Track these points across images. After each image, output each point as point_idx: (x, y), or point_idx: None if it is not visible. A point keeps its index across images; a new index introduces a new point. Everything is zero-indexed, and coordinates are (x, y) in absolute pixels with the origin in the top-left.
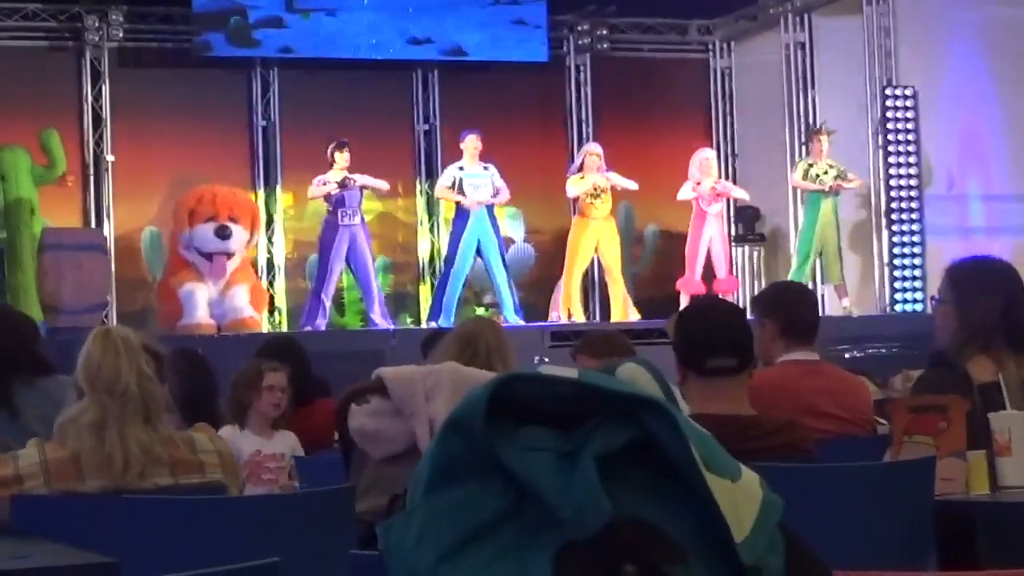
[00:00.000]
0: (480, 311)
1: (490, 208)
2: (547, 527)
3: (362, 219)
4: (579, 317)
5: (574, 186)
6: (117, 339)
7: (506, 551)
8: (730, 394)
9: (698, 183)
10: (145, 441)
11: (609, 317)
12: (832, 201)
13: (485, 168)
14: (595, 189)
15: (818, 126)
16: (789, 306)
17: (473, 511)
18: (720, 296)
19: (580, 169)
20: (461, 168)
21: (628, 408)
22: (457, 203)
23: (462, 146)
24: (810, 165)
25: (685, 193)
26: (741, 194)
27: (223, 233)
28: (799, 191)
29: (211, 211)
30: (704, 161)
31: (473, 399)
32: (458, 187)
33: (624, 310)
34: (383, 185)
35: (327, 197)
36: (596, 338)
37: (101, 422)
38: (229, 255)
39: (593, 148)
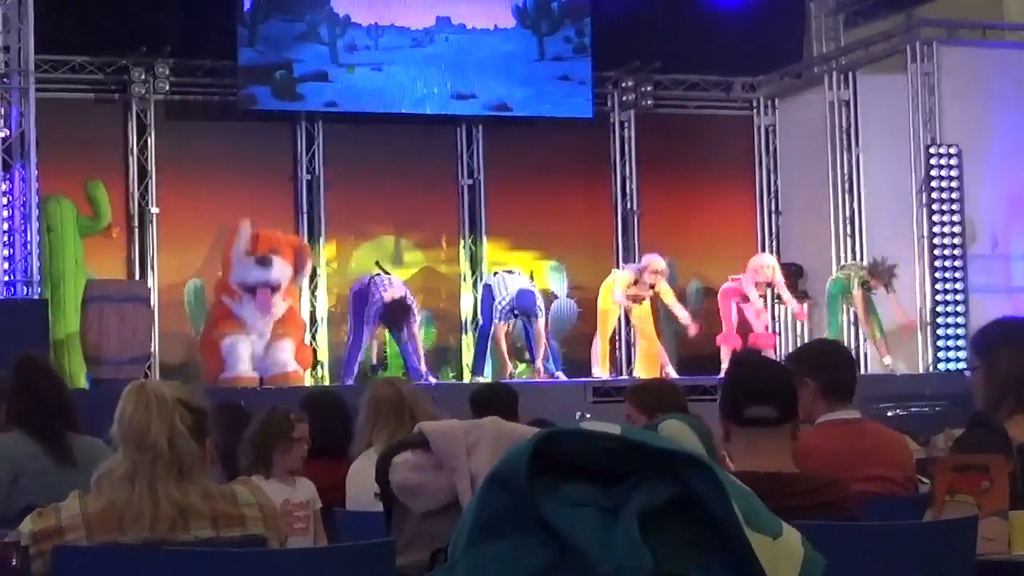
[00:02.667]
0: (522, 367)
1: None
2: None
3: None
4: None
5: (618, 291)
6: (150, 394)
7: None
8: (772, 448)
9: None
10: (177, 496)
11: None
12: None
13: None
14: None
15: (884, 270)
16: (829, 366)
17: (516, 565)
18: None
19: (635, 280)
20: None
21: (670, 465)
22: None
23: None
24: (867, 287)
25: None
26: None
27: (264, 262)
28: (841, 247)
29: (250, 248)
30: (762, 268)
31: (516, 454)
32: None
33: (653, 366)
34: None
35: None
36: (645, 389)
37: (131, 476)
38: (273, 288)
39: (657, 265)
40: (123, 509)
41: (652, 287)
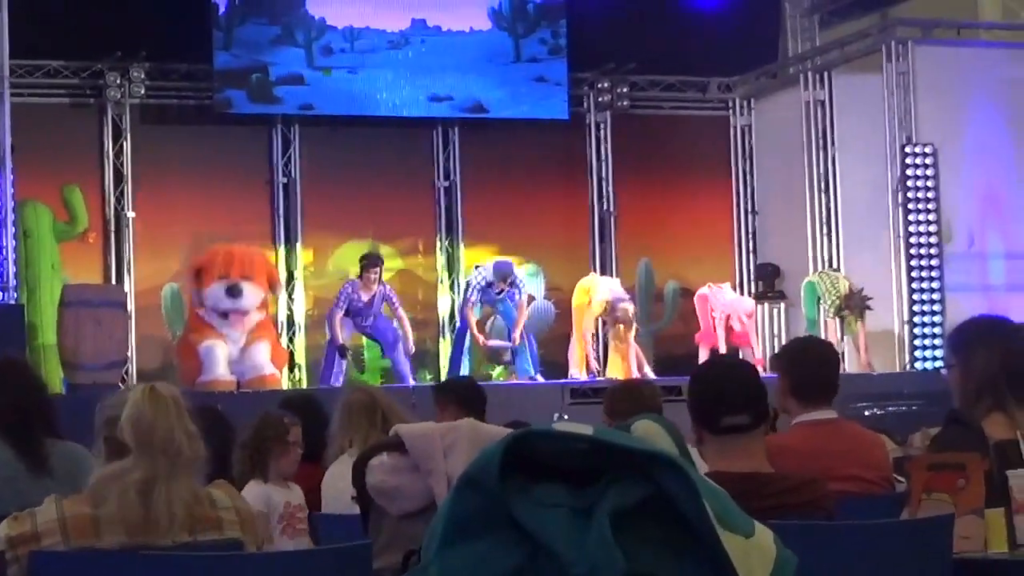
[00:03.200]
0: (498, 370)
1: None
2: None
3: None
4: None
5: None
6: (168, 398)
7: None
8: (746, 451)
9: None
10: (189, 500)
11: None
12: None
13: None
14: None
15: (858, 301)
16: (800, 365)
17: (488, 566)
18: (732, 353)
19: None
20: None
21: (642, 465)
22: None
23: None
24: (840, 315)
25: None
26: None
27: (234, 291)
28: (818, 247)
29: (223, 270)
30: (745, 313)
31: (488, 455)
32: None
33: (625, 368)
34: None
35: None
36: (619, 393)
37: (151, 480)
38: (243, 313)
39: (623, 314)
40: (129, 512)
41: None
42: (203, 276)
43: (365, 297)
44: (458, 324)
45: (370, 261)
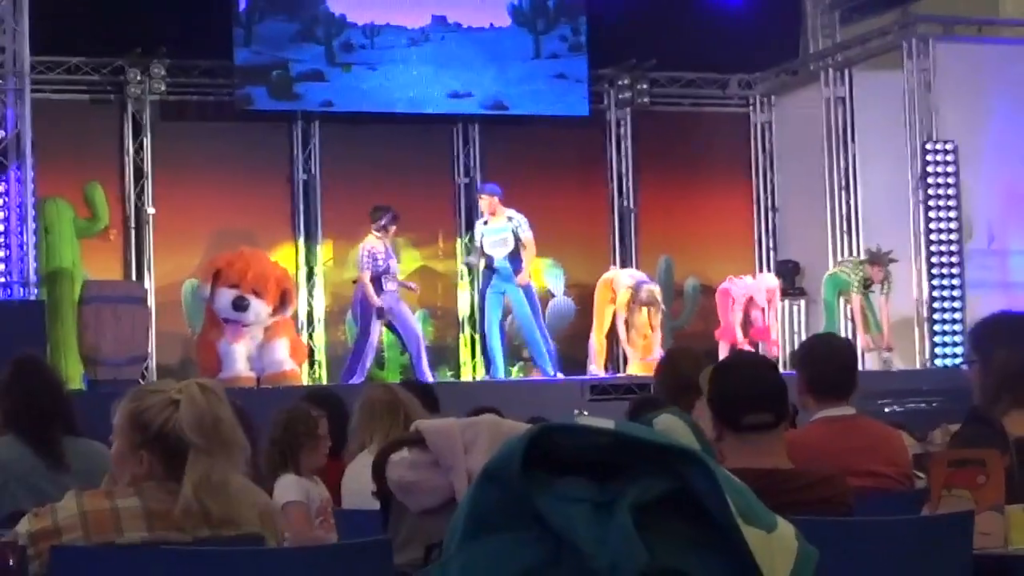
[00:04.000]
0: (518, 366)
1: (512, 262)
2: None
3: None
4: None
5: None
6: (221, 392)
7: None
8: (767, 448)
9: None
10: (249, 491)
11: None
12: None
13: (510, 219)
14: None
15: (877, 256)
16: (816, 362)
17: (510, 561)
18: (753, 351)
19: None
20: (485, 223)
21: (665, 459)
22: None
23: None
24: (867, 286)
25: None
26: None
27: (240, 304)
28: (838, 244)
29: (234, 279)
30: (764, 291)
31: (510, 449)
32: (480, 245)
33: (647, 363)
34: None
35: (369, 262)
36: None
37: (222, 475)
38: (244, 325)
39: (648, 295)
40: (195, 510)
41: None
42: (218, 279)
43: (383, 248)
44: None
45: (382, 210)
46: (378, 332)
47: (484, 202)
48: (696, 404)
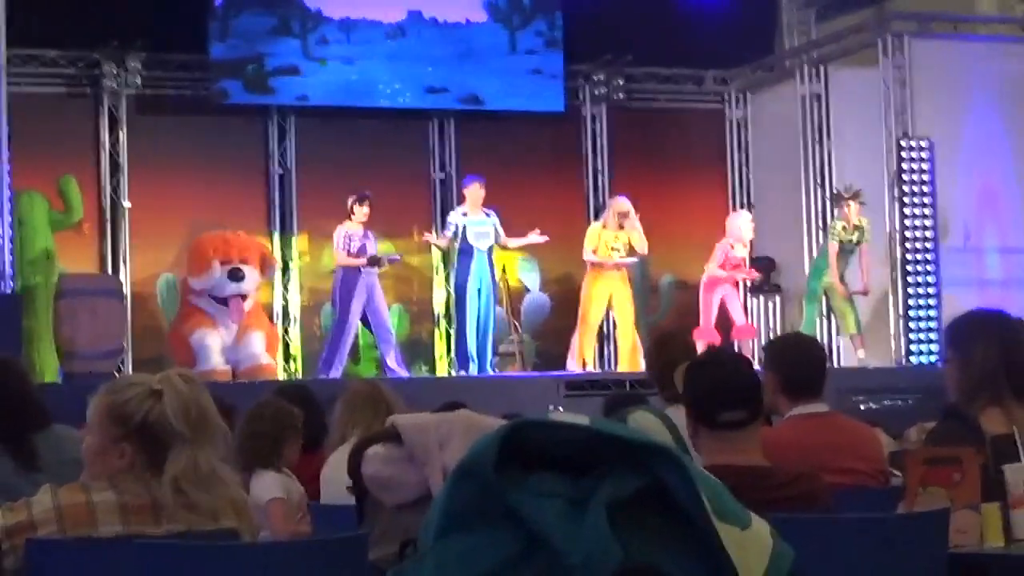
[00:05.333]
0: (496, 359)
1: (490, 253)
2: (557, 574)
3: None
4: (593, 367)
5: (586, 250)
6: (201, 382)
7: None
8: (743, 446)
9: (732, 246)
10: (230, 482)
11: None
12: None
13: (487, 215)
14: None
15: (846, 192)
16: (789, 361)
17: (484, 557)
18: (726, 347)
19: (603, 226)
20: (464, 214)
21: (639, 455)
22: (461, 247)
23: (466, 192)
24: (843, 228)
25: (716, 260)
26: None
27: (237, 276)
28: (813, 241)
29: (223, 254)
30: (744, 225)
31: (484, 445)
32: (462, 234)
33: (635, 360)
34: (397, 258)
35: (345, 243)
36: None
37: (209, 464)
38: (244, 297)
39: (619, 206)
40: (190, 503)
41: (621, 227)
42: (201, 261)
43: (360, 230)
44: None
45: (360, 196)
46: (356, 322)
47: (478, 193)
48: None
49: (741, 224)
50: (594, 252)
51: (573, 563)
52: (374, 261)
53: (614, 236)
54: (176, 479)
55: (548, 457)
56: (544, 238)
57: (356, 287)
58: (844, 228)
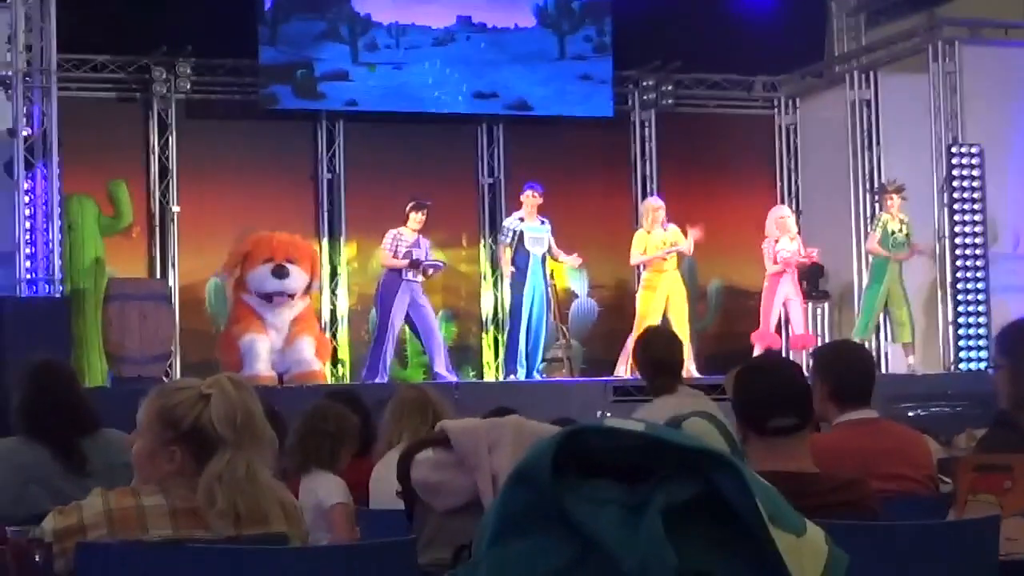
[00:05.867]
0: (542, 365)
1: (544, 260)
2: None
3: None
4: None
5: (634, 255)
6: (251, 387)
7: None
8: (792, 452)
9: (776, 240)
10: (275, 487)
11: None
12: (899, 264)
13: (542, 222)
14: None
15: (890, 185)
16: (838, 369)
17: (539, 563)
18: (777, 353)
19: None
20: (521, 220)
21: (695, 462)
22: (516, 252)
23: (522, 198)
24: (887, 223)
25: (768, 257)
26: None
27: (280, 273)
28: (862, 246)
29: (267, 253)
30: (779, 220)
31: (540, 451)
32: (518, 240)
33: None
34: (440, 265)
35: (392, 245)
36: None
37: (253, 470)
38: (289, 295)
39: (650, 204)
40: (237, 506)
41: (659, 225)
42: (248, 260)
43: (411, 238)
44: (505, 323)
45: (417, 203)
46: (399, 326)
47: (534, 201)
48: (678, 389)
49: (771, 218)
50: (643, 254)
51: (629, 569)
52: (415, 265)
53: (661, 239)
54: (210, 483)
55: (604, 463)
56: (579, 261)
57: (397, 292)
58: (887, 223)
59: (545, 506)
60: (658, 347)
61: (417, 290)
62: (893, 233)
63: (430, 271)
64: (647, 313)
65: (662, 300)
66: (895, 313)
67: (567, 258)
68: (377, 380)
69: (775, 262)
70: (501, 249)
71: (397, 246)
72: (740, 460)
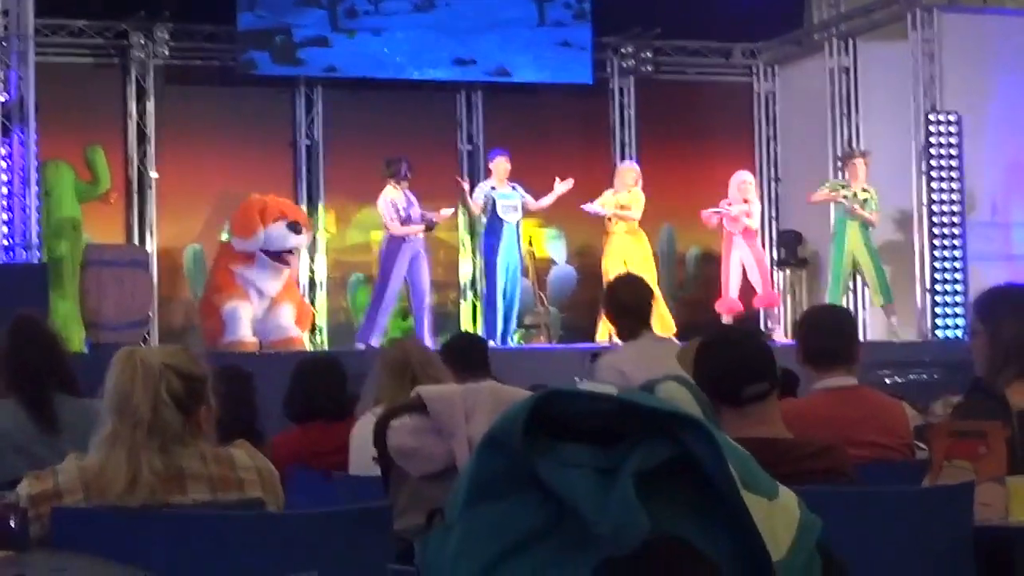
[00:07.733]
0: (519, 333)
1: (518, 227)
2: (585, 543)
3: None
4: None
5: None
6: (137, 362)
7: (544, 567)
8: (764, 417)
9: (729, 204)
10: (159, 465)
11: None
12: (858, 225)
13: (513, 188)
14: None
15: (852, 150)
16: (817, 332)
17: (512, 526)
18: (741, 322)
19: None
20: (492, 188)
21: (667, 426)
22: (490, 220)
23: (492, 165)
24: (842, 187)
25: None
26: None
27: (296, 228)
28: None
29: (278, 212)
30: (741, 184)
31: (512, 415)
32: (491, 207)
33: (666, 326)
34: (446, 213)
35: (394, 213)
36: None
37: (112, 441)
38: (298, 251)
39: (625, 168)
40: (104, 472)
41: (624, 186)
42: (251, 221)
43: (403, 197)
44: (483, 291)
45: (396, 161)
46: (396, 290)
47: (503, 167)
48: (643, 333)
49: (733, 183)
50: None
51: (601, 533)
52: (430, 227)
53: (625, 196)
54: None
55: (577, 427)
56: (569, 182)
57: (400, 254)
58: (843, 186)
59: (518, 470)
60: (623, 291)
61: (419, 252)
62: (846, 197)
63: (437, 221)
64: (606, 275)
65: (618, 262)
66: (866, 276)
67: (552, 195)
68: (371, 343)
69: (720, 224)
70: (478, 209)
71: (397, 211)
72: (713, 424)
